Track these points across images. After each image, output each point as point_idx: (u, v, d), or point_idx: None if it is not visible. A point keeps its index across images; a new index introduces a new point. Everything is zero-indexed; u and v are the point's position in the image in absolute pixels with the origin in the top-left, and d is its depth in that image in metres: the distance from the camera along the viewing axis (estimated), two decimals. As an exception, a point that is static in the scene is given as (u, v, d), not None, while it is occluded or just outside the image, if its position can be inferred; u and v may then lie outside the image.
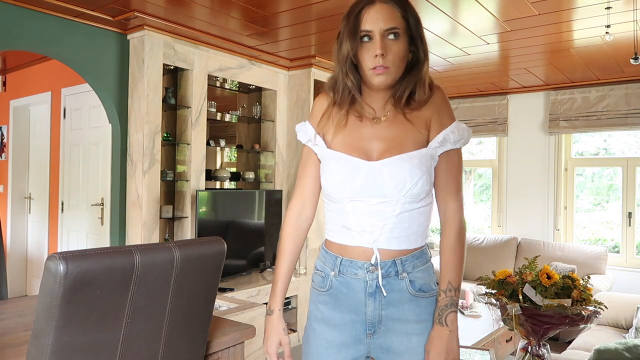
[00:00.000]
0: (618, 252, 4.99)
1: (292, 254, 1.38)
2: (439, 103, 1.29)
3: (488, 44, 3.81)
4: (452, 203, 1.27)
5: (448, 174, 1.28)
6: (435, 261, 1.37)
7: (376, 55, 1.18)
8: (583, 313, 1.72)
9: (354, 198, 1.23)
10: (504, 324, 1.86)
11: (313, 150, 1.35)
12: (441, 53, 4.09)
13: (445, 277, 1.24)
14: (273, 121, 4.60)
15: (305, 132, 1.37)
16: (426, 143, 1.26)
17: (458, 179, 1.29)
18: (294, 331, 4.29)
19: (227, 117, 4.33)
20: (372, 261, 1.22)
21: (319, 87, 4.63)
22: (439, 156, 1.27)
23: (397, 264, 1.22)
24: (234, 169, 4.87)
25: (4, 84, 5.60)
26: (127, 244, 3.52)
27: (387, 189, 1.20)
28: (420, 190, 1.21)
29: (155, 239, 3.57)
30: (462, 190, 1.29)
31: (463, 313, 3.74)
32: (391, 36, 1.19)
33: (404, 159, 1.21)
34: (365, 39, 1.21)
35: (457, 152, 1.29)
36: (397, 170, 1.20)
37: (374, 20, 1.19)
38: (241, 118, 4.55)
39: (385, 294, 1.22)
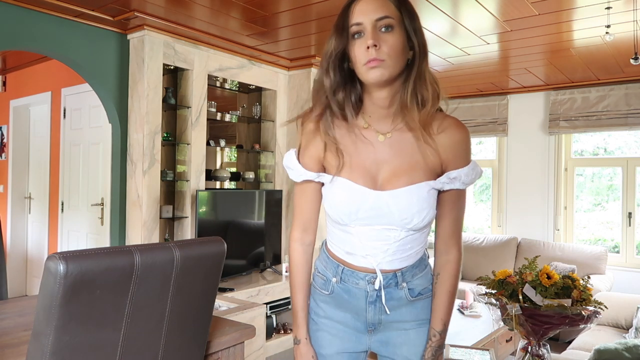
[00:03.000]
0: (618, 252, 4.99)
1: (306, 283, 1.35)
2: (459, 141, 1.17)
3: (488, 44, 3.81)
4: (455, 250, 1.25)
5: (454, 221, 1.24)
6: (434, 261, 1.36)
7: (368, 47, 1.08)
8: (583, 313, 1.72)
9: (359, 225, 1.21)
10: (504, 324, 1.86)
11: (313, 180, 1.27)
12: (441, 53, 4.09)
13: (442, 319, 1.24)
14: (273, 121, 4.60)
15: (298, 171, 1.26)
16: (435, 173, 1.18)
17: (461, 225, 1.26)
18: (294, 331, 4.29)
19: (227, 117, 4.33)
20: (376, 286, 1.22)
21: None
22: (444, 192, 1.21)
23: (397, 275, 1.24)
24: (234, 169, 4.87)
25: (4, 84, 5.59)
26: (127, 244, 3.51)
27: (393, 219, 1.17)
28: (426, 222, 1.20)
29: (155, 239, 3.57)
30: (462, 235, 1.27)
31: (463, 313, 3.74)
32: (385, 28, 1.09)
33: (412, 192, 1.15)
34: (357, 35, 1.11)
35: (463, 194, 1.23)
36: (405, 204, 1.15)
37: (364, 12, 1.10)
38: (241, 118, 4.55)
39: (388, 312, 1.24)
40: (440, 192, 1.21)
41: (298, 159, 1.26)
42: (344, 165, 1.19)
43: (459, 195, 1.22)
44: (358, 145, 1.19)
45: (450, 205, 1.22)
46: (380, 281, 1.22)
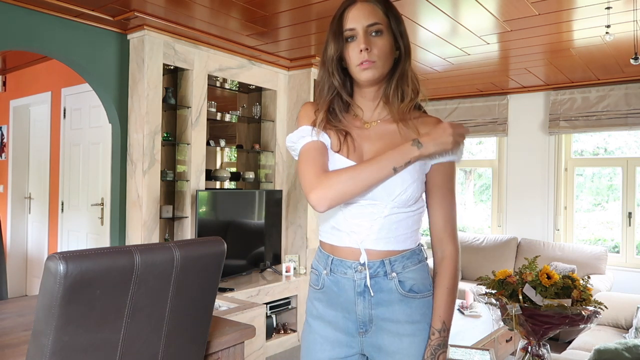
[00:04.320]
0: (618, 252, 4.99)
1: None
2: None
3: (488, 44, 3.81)
4: (449, 245, 1.27)
5: (444, 214, 1.27)
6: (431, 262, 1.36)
7: (361, 51, 1.21)
8: (583, 313, 1.72)
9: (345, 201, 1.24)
10: (504, 324, 1.86)
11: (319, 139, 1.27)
12: (441, 53, 4.09)
13: (440, 317, 1.24)
14: (273, 121, 4.60)
15: (308, 131, 1.28)
16: None
17: (453, 220, 1.28)
18: (294, 331, 4.29)
19: (227, 117, 4.33)
20: (361, 261, 1.24)
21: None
22: (431, 182, 1.26)
23: (385, 264, 1.23)
24: (234, 169, 4.87)
25: (4, 84, 5.60)
26: (127, 244, 3.52)
27: (377, 192, 1.21)
28: (410, 196, 1.22)
29: (155, 239, 3.57)
30: (457, 231, 1.29)
31: (463, 313, 3.74)
32: (375, 33, 1.23)
33: None
34: (350, 39, 1.24)
35: (452, 189, 1.28)
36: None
37: (356, 18, 1.23)
38: (241, 118, 4.55)
39: (372, 294, 1.23)
40: (427, 184, 1.28)
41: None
42: (342, 145, 1.28)
43: (446, 188, 1.27)
44: (347, 128, 1.31)
45: (438, 199, 1.28)
46: (364, 258, 1.23)
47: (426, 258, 1.32)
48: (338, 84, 1.29)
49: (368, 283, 1.23)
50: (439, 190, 1.27)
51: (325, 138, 1.29)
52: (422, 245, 1.32)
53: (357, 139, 1.29)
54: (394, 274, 1.23)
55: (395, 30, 1.26)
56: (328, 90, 1.30)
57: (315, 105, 1.34)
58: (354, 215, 1.24)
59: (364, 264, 1.23)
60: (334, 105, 1.31)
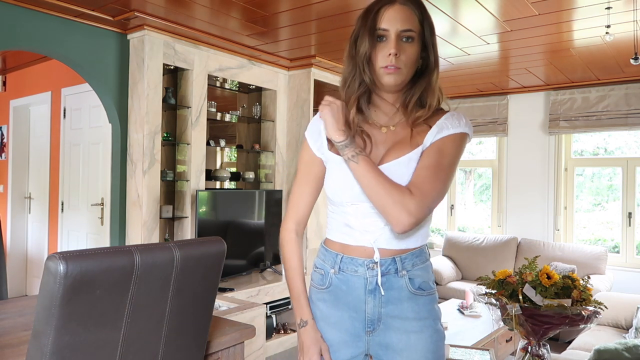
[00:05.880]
0: (618, 252, 4.99)
1: (300, 267, 1.37)
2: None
3: (488, 44, 3.81)
4: (409, 194, 1.16)
5: (417, 174, 1.18)
6: (434, 261, 1.37)
7: (389, 54, 1.20)
8: (583, 313, 1.72)
9: (354, 202, 1.25)
10: (504, 324, 1.86)
11: (316, 160, 1.32)
12: (441, 53, 4.09)
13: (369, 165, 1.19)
14: (273, 121, 4.60)
15: (320, 133, 1.31)
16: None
17: (432, 179, 1.17)
18: (294, 331, 4.29)
19: (227, 117, 4.33)
20: (375, 259, 1.24)
21: (319, 87, 4.62)
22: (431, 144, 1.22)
23: (396, 261, 1.24)
24: (234, 169, 4.87)
25: (4, 84, 5.59)
26: (127, 244, 3.51)
27: None
28: None
29: (155, 239, 3.57)
30: (428, 195, 1.16)
31: (463, 313, 3.74)
32: (406, 39, 1.21)
33: (402, 163, 1.21)
34: (380, 39, 1.22)
35: (445, 147, 1.21)
36: (395, 176, 1.20)
37: (392, 20, 1.21)
38: (241, 118, 4.55)
39: (383, 293, 1.24)
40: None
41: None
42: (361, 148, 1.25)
43: (431, 155, 1.21)
44: (371, 135, 1.29)
45: (420, 162, 1.21)
46: (377, 256, 1.23)
47: (429, 255, 1.34)
48: (370, 81, 1.25)
49: (379, 282, 1.23)
50: (423, 156, 1.21)
51: (325, 153, 1.30)
52: (426, 245, 1.33)
53: (374, 142, 1.28)
54: (404, 272, 1.24)
55: (427, 40, 1.25)
56: (359, 86, 1.26)
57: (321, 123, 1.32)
58: (366, 215, 1.24)
59: (376, 262, 1.24)
60: (361, 103, 1.28)
